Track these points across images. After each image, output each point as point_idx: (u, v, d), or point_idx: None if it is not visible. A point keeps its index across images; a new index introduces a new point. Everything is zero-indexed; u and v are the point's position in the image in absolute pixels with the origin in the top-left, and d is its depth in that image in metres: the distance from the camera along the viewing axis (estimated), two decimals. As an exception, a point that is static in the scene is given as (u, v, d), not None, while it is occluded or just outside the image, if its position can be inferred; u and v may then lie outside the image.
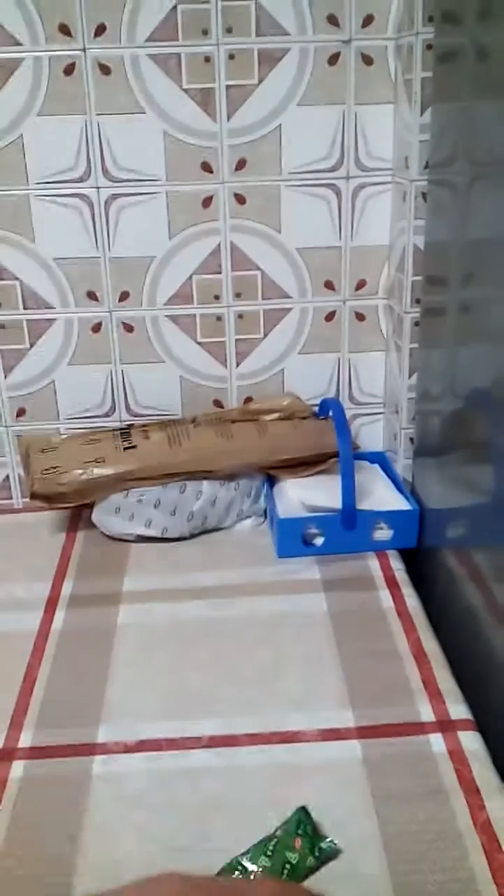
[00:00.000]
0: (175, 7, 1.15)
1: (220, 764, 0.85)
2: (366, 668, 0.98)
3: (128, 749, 0.87)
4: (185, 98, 1.20)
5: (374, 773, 0.83)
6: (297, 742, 0.88)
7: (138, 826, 0.78)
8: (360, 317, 1.35)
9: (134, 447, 1.28)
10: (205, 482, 1.27)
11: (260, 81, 1.20)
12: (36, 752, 0.87)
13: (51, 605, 1.12)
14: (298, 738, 0.88)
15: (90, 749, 0.87)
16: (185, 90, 1.20)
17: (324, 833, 0.76)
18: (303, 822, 0.75)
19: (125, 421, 1.40)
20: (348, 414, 1.39)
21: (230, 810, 0.80)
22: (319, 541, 1.20)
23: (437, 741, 0.86)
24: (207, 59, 1.18)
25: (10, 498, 1.44)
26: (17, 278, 1.29)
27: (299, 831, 0.74)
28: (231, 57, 1.18)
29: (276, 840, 0.74)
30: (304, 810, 0.76)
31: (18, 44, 1.16)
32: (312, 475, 1.27)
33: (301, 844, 0.73)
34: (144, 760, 0.86)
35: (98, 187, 1.24)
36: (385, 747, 0.86)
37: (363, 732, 0.88)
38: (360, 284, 1.33)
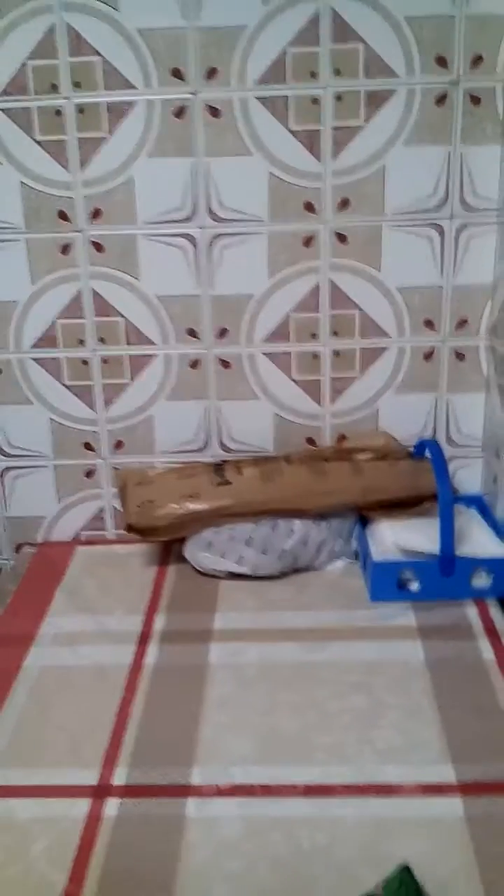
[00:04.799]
0: (285, 50, 1.17)
1: (316, 814, 0.83)
2: (466, 721, 0.94)
3: (221, 793, 0.86)
4: (292, 139, 1.21)
5: (477, 834, 0.80)
6: (395, 795, 0.85)
7: (232, 875, 0.77)
8: (460, 356, 1.33)
9: (228, 483, 1.28)
10: (297, 521, 1.25)
11: (366, 122, 1.20)
12: (130, 791, 0.87)
13: (143, 639, 1.13)
14: (397, 791, 0.85)
15: (184, 791, 0.86)
16: (292, 132, 1.21)
17: (427, 894, 0.73)
18: (406, 884, 0.72)
19: (218, 456, 1.40)
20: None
21: (328, 863, 0.77)
22: (415, 586, 1.17)
23: (545, 804, 0.82)
24: (315, 101, 1.19)
25: (104, 529, 1.45)
26: (121, 315, 1.31)
27: (401, 892, 0.71)
28: (338, 98, 1.19)
29: (377, 900, 0.71)
30: (407, 870, 0.73)
31: (132, 87, 1.20)
32: (408, 517, 1.25)
33: (404, 907, 0.70)
34: (238, 806, 0.84)
35: (203, 227, 1.26)
36: (489, 806, 0.83)
37: (465, 789, 0.85)
38: (461, 323, 1.31)
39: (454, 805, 0.83)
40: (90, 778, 0.89)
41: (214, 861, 0.78)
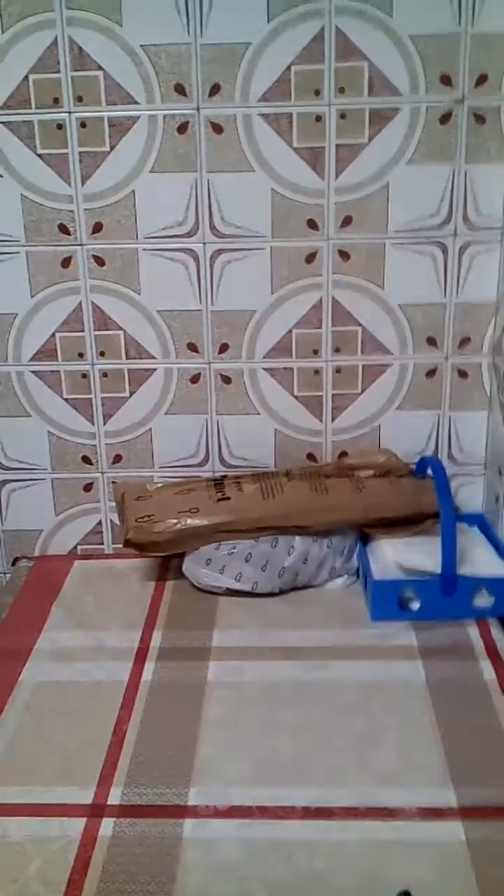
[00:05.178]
0: (289, 67, 1.17)
1: (315, 837, 0.82)
2: (467, 744, 0.93)
3: (219, 814, 0.85)
4: (295, 156, 1.21)
5: (479, 859, 0.78)
6: (395, 819, 0.83)
7: (229, 898, 0.75)
8: (462, 374, 1.32)
9: (227, 499, 1.27)
10: (297, 538, 1.24)
11: (370, 140, 1.20)
12: (126, 811, 0.85)
13: (140, 655, 1.11)
14: (397, 815, 0.84)
15: (181, 811, 0.85)
16: (295, 149, 1.21)
17: (427, 923, 0.71)
18: (406, 910, 0.70)
19: (218, 471, 1.39)
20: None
21: (327, 888, 0.76)
22: (416, 605, 1.16)
23: (547, 830, 0.81)
24: (319, 119, 1.19)
25: (101, 543, 1.44)
26: (121, 329, 1.31)
27: (402, 919, 0.70)
28: (342, 116, 1.19)
29: (376, 927, 0.69)
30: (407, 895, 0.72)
31: (135, 102, 1.20)
32: (409, 535, 1.24)
33: (404, 934, 0.69)
34: (236, 828, 0.83)
35: (205, 242, 1.26)
36: (490, 831, 0.81)
37: (466, 813, 0.83)
38: (464, 341, 1.30)
39: (455, 829, 0.82)
40: (85, 797, 0.87)
41: (211, 883, 0.77)
